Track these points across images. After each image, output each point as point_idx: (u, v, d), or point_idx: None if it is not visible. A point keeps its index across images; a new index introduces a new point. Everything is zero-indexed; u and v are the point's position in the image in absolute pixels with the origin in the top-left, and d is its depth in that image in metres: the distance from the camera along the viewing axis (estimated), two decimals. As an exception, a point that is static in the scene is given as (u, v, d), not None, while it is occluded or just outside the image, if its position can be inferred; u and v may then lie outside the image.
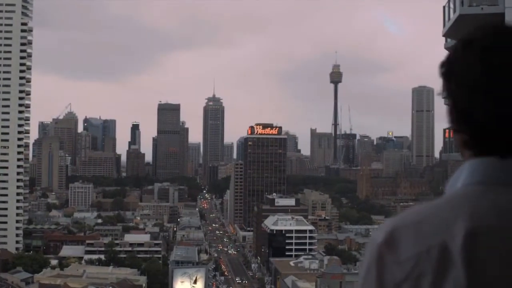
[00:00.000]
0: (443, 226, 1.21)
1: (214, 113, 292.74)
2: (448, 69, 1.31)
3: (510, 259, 1.18)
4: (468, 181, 1.25)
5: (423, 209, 1.28)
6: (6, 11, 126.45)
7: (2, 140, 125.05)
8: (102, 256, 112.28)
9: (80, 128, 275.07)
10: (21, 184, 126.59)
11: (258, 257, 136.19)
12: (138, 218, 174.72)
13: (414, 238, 1.23)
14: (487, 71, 1.22)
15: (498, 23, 1.29)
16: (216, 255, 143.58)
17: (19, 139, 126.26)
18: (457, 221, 1.20)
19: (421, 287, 1.20)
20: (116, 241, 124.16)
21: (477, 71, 1.23)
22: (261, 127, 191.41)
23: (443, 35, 27.70)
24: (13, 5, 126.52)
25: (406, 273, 1.21)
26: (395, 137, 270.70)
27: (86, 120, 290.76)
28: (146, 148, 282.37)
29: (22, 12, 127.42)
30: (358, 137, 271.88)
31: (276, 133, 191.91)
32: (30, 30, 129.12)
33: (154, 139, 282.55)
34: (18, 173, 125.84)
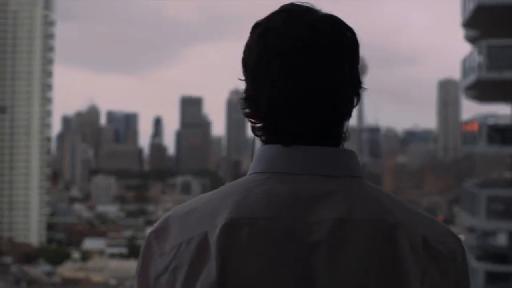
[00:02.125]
0: (209, 217, 1.12)
1: (236, 106, 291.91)
2: (243, 54, 1.22)
3: (271, 252, 1.08)
4: (253, 169, 1.17)
5: (201, 198, 1.19)
6: (29, 4, 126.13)
7: (25, 134, 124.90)
8: (124, 250, 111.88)
9: (102, 121, 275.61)
10: (44, 177, 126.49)
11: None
12: (160, 211, 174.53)
13: (179, 228, 1.14)
14: (263, 54, 1.15)
15: (288, 4, 1.19)
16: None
17: (42, 132, 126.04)
18: (222, 212, 1.11)
19: (176, 279, 1.10)
20: (138, 235, 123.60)
21: (256, 55, 1.16)
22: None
23: (462, 25, 26.26)
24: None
25: (166, 264, 1.12)
26: (420, 130, 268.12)
27: (108, 113, 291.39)
28: (169, 141, 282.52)
29: (45, 5, 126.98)
30: (383, 130, 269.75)
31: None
32: (53, 23, 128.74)
33: (176, 132, 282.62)
34: (41, 167, 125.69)
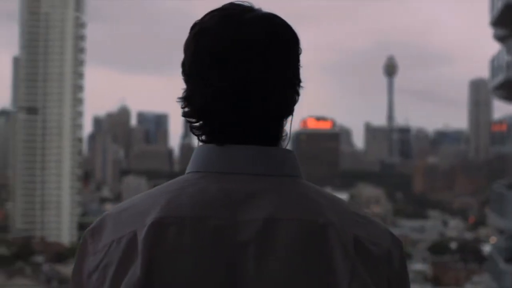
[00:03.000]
0: (140, 215, 1.12)
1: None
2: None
3: (198, 251, 1.08)
4: (189, 169, 1.17)
5: (137, 197, 1.18)
6: (60, 7, 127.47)
7: (57, 134, 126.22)
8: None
9: (133, 122, 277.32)
10: (75, 177, 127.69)
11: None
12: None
13: (112, 227, 1.14)
14: (197, 54, 1.15)
15: (226, 4, 1.19)
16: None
17: (74, 133, 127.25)
18: (152, 211, 1.12)
19: (106, 277, 1.10)
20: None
21: (190, 55, 1.17)
22: (313, 120, 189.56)
23: (490, 24, 25.96)
24: (67, 0, 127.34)
25: (97, 262, 1.12)
26: (451, 130, 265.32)
27: (139, 114, 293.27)
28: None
29: (76, 7, 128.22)
30: (413, 130, 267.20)
31: (329, 126, 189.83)
32: (84, 25, 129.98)
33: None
34: (72, 167, 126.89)
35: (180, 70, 1.11)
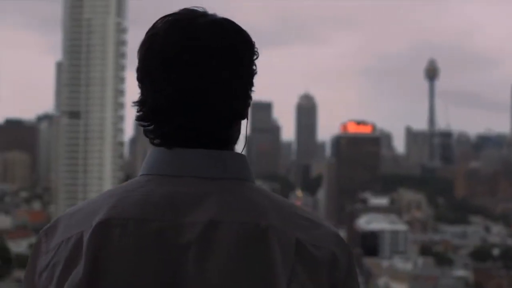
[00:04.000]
0: (88, 217, 1.14)
1: (306, 111, 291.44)
2: None
3: (140, 253, 1.09)
4: (141, 171, 1.19)
5: (91, 199, 1.20)
6: (102, 12, 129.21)
7: (99, 138, 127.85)
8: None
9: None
10: (116, 180, 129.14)
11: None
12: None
13: (64, 228, 1.16)
14: (147, 58, 1.17)
15: (181, 9, 1.21)
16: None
17: (115, 137, 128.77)
18: (100, 212, 1.13)
19: (53, 276, 1.12)
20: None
21: (141, 59, 1.18)
22: (354, 124, 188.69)
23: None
24: (108, 6, 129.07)
25: (47, 262, 1.15)
26: (494, 134, 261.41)
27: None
28: (238, 146, 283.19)
29: (118, 13, 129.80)
30: (455, 134, 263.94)
31: (369, 130, 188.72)
32: (126, 31, 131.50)
33: (246, 137, 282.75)
34: (114, 170, 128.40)
35: None
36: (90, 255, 1.10)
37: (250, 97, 1.20)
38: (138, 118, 1.18)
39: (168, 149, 1.16)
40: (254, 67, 1.21)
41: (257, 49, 1.22)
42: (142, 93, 1.18)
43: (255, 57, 1.21)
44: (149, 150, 1.20)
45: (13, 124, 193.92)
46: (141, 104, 1.18)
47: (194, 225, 1.10)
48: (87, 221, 1.13)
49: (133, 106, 1.19)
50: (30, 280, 1.17)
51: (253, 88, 1.21)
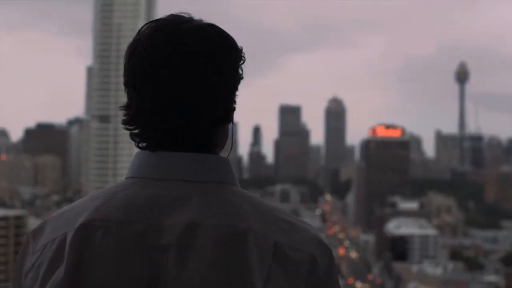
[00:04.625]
0: (73, 218, 1.17)
1: (335, 114, 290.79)
2: None
3: (122, 254, 1.12)
4: (126, 174, 1.22)
5: (78, 201, 1.23)
6: (132, 17, 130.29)
7: (128, 142, 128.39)
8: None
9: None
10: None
11: (379, 262, 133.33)
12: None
13: (50, 229, 1.19)
14: (130, 63, 1.20)
15: (167, 15, 1.24)
16: (336, 258, 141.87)
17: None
18: (84, 213, 1.16)
19: (38, 276, 1.15)
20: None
21: (126, 64, 1.21)
22: (383, 128, 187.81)
23: None
24: (138, 10, 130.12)
25: (33, 262, 1.17)
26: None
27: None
28: (268, 149, 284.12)
29: (147, 18, 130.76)
30: (486, 138, 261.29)
31: (398, 134, 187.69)
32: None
33: (275, 141, 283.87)
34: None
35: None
36: (72, 256, 1.12)
37: (234, 101, 1.23)
38: (124, 122, 1.21)
39: (153, 152, 1.19)
40: (240, 72, 1.23)
41: (244, 54, 1.25)
42: (128, 98, 1.20)
43: (241, 62, 1.24)
44: (134, 153, 1.23)
45: (45, 128, 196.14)
46: (127, 108, 1.20)
47: (174, 227, 1.13)
48: (71, 223, 1.16)
49: (120, 110, 1.22)
50: (17, 280, 1.20)
51: (237, 93, 1.23)
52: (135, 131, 1.20)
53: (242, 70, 1.24)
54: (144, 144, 1.20)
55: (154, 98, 1.17)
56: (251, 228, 1.14)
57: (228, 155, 1.26)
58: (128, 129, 1.21)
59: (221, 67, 1.19)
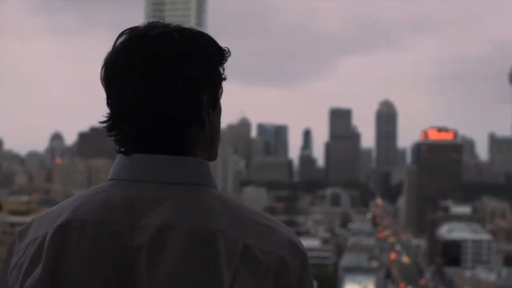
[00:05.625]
0: (54, 219, 1.21)
1: (386, 118, 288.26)
2: None
3: (96, 254, 1.15)
4: (108, 176, 1.25)
5: (63, 201, 1.27)
6: (182, 22, 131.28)
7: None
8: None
9: (253, 133, 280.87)
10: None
11: (431, 266, 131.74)
12: (310, 223, 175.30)
13: (34, 229, 1.23)
14: (105, 69, 1.24)
15: (144, 22, 1.28)
16: (387, 262, 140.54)
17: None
18: (63, 214, 1.20)
19: (20, 274, 1.19)
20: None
21: (102, 70, 1.25)
22: (435, 131, 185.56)
23: None
24: (188, 15, 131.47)
25: (16, 261, 1.22)
26: None
27: (259, 126, 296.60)
28: (318, 153, 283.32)
29: (197, 22, 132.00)
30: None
31: (451, 137, 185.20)
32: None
33: (326, 144, 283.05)
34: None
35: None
36: (49, 256, 1.16)
37: (204, 102, 1.24)
38: (106, 129, 1.25)
39: (131, 155, 1.22)
40: (212, 72, 1.25)
41: (226, 54, 1.27)
42: (106, 104, 1.25)
43: (214, 63, 1.26)
44: (116, 157, 1.27)
45: (98, 132, 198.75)
46: (108, 116, 1.25)
47: (147, 228, 1.16)
48: (52, 223, 1.20)
49: (104, 117, 1.25)
50: (3, 278, 1.25)
51: (212, 92, 1.25)
52: (114, 137, 1.24)
53: (221, 70, 1.27)
54: (123, 148, 1.23)
55: (123, 105, 1.22)
56: (222, 230, 1.16)
57: (211, 157, 1.28)
58: (110, 136, 1.25)
59: (184, 69, 1.22)
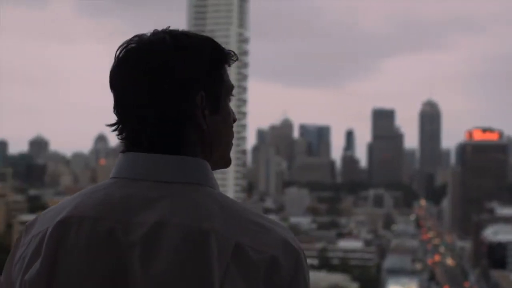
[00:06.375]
0: (56, 214, 1.25)
1: (430, 118, 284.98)
2: None
3: (92, 250, 1.19)
4: (110, 175, 1.29)
5: (68, 197, 1.31)
6: (225, 24, 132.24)
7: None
8: (315, 261, 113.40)
9: (295, 134, 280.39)
10: (239, 188, 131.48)
11: (476, 269, 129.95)
12: (353, 224, 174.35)
13: (39, 224, 1.28)
14: (113, 71, 1.30)
15: (139, 34, 1.32)
16: (431, 264, 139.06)
17: (238, 145, 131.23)
18: (65, 210, 1.24)
19: (22, 268, 1.24)
20: (330, 247, 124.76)
21: (111, 71, 1.32)
22: (480, 131, 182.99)
23: None
24: (230, 17, 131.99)
25: (20, 254, 1.26)
26: None
27: (301, 126, 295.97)
28: (361, 153, 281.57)
29: (240, 24, 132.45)
30: None
31: (496, 137, 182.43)
32: (248, 41, 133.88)
33: (368, 145, 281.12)
34: (236, 178, 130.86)
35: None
36: (48, 250, 1.20)
37: (198, 104, 1.27)
38: (116, 132, 1.31)
39: (131, 155, 1.27)
40: (205, 74, 1.28)
41: (213, 57, 1.29)
42: (114, 105, 1.32)
43: (205, 65, 1.28)
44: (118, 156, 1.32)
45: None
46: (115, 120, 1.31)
47: (142, 225, 1.19)
48: (53, 219, 1.24)
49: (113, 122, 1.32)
50: (8, 271, 1.29)
51: (210, 94, 1.28)
52: (122, 139, 1.30)
53: (222, 73, 1.30)
54: (125, 148, 1.29)
55: (122, 106, 1.28)
56: (214, 229, 1.17)
57: (209, 157, 1.30)
58: (119, 139, 1.30)
59: (174, 71, 1.26)
